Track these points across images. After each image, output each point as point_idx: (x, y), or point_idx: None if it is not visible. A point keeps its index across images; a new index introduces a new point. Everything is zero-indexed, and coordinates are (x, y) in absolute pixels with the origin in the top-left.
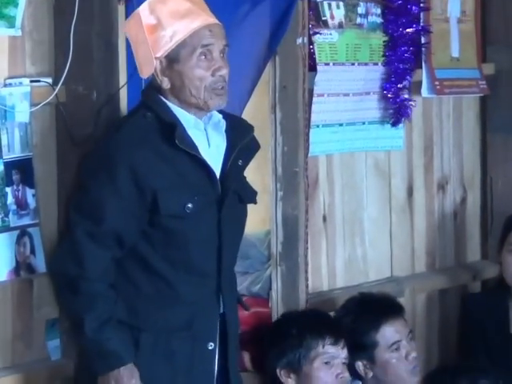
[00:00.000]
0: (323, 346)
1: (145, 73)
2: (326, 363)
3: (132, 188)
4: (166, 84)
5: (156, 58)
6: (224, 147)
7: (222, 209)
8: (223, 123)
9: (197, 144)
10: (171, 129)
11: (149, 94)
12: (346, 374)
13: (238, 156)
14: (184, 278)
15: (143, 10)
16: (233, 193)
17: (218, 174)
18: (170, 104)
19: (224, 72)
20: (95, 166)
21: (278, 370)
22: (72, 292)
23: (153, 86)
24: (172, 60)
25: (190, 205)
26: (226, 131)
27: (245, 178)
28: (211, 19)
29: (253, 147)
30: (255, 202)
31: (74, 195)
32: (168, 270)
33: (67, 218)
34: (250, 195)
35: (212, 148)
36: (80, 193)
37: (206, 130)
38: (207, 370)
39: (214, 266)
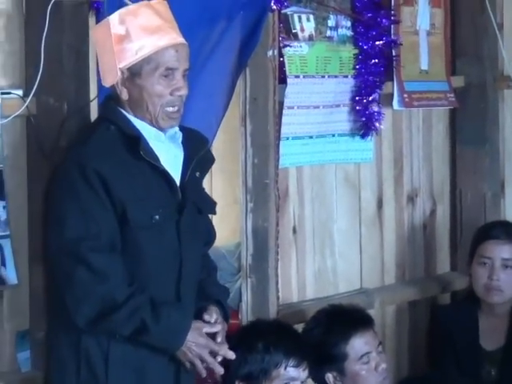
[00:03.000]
0: (285, 368)
1: (107, 81)
2: None
3: (107, 198)
4: (124, 95)
5: (119, 69)
6: (181, 158)
7: (181, 219)
8: (179, 135)
9: (158, 155)
10: (135, 141)
11: (108, 106)
12: None
13: (195, 168)
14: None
15: (113, 19)
16: (192, 204)
17: (177, 184)
18: (129, 116)
19: (183, 93)
20: (70, 180)
21: (236, 382)
22: (115, 310)
23: (111, 98)
24: (134, 73)
25: (157, 216)
26: (183, 143)
27: (203, 189)
28: (179, 39)
29: (209, 159)
30: (215, 213)
31: (56, 224)
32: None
33: (55, 252)
34: (210, 206)
35: (171, 159)
36: (63, 215)
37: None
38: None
39: (175, 278)
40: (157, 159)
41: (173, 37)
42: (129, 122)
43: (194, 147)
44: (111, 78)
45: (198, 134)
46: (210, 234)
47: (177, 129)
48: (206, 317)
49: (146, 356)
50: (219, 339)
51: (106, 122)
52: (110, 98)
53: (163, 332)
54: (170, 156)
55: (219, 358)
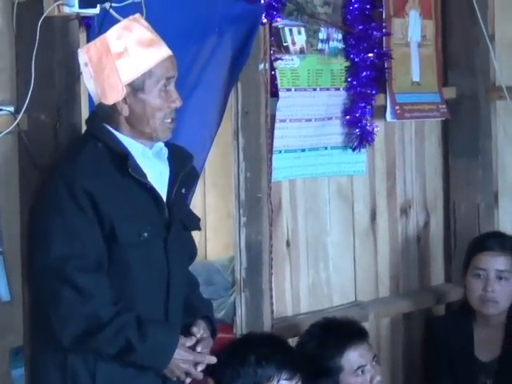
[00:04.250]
0: (278, 381)
1: (110, 99)
2: None
3: (95, 216)
4: (125, 111)
5: (124, 86)
6: (167, 175)
7: (169, 236)
8: (165, 151)
9: (145, 172)
10: (123, 158)
11: (94, 123)
12: None
13: (181, 184)
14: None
15: (110, 35)
16: (178, 221)
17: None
18: (116, 133)
19: (178, 104)
20: (57, 198)
21: None
22: (100, 329)
23: (96, 114)
24: (136, 89)
25: (145, 234)
26: (168, 159)
27: (188, 205)
28: (169, 50)
29: (193, 175)
30: (199, 229)
31: (41, 241)
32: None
33: (40, 270)
34: (194, 222)
35: (156, 176)
36: (50, 233)
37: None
38: None
39: (163, 295)
40: (144, 176)
41: (166, 49)
42: (115, 138)
43: (180, 164)
44: (114, 95)
45: (183, 150)
46: (193, 250)
47: (162, 145)
48: (195, 329)
49: (132, 375)
50: (199, 348)
51: (94, 139)
52: (95, 114)
53: (150, 351)
54: (156, 173)
55: (201, 367)
